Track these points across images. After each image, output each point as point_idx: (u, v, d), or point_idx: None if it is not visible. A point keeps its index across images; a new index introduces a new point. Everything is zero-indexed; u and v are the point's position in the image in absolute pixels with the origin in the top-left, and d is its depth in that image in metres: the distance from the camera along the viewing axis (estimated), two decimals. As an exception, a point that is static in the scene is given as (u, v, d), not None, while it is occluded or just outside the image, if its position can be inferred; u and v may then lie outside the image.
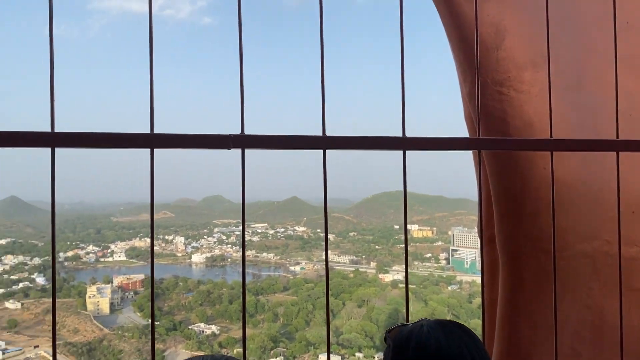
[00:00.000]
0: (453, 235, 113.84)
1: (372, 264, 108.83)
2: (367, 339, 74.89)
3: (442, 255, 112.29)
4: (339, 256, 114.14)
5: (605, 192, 3.53)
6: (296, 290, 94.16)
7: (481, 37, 3.62)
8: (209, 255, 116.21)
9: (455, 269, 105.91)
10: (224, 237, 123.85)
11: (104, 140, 1.99)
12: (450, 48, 4.27)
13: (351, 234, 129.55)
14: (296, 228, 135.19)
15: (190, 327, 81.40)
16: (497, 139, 3.33)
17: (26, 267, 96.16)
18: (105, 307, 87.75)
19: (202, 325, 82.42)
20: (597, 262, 3.61)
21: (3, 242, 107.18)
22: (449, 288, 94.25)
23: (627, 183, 2.67)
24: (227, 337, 77.16)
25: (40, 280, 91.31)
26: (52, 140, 1.91)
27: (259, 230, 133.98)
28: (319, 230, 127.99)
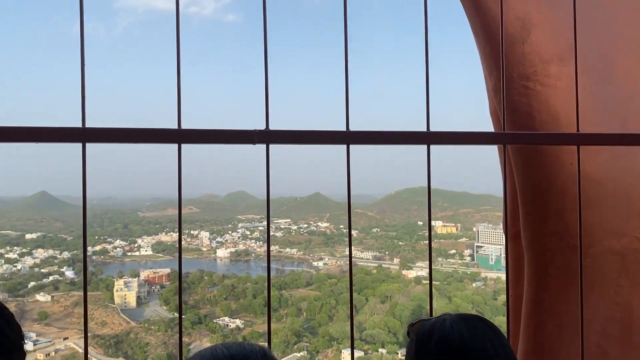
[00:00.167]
0: (478, 231, 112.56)
1: (396, 260, 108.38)
2: (390, 335, 74.67)
3: (467, 252, 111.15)
4: (362, 252, 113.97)
5: (635, 187, 3.46)
6: (319, 286, 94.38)
7: (507, 31, 3.58)
8: (233, 250, 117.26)
9: (479, 265, 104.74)
10: (248, 233, 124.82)
11: (133, 135, 2.03)
12: (475, 42, 4.23)
13: (374, 230, 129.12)
14: (319, 224, 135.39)
15: (215, 321, 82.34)
16: (523, 133, 3.29)
17: (56, 261, 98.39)
18: (132, 301, 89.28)
19: (226, 319, 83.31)
20: (626, 259, 3.55)
21: (34, 236, 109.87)
22: (473, 285, 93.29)
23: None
24: (251, 330, 77.84)
25: (69, 273, 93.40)
26: (84, 135, 1.96)
27: (282, 226, 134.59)
28: (341, 226, 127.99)
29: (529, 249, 3.97)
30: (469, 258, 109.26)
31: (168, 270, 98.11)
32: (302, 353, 72.22)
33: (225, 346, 1.54)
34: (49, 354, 69.98)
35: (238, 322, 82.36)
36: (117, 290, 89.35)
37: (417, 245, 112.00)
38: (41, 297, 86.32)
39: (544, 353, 3.91)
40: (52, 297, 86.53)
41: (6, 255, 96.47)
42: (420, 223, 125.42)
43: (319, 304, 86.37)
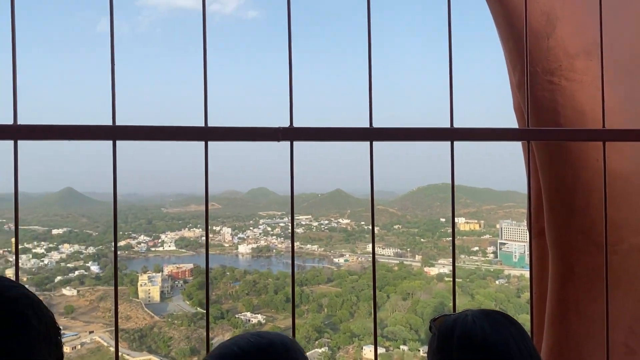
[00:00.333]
0: (501, 228, 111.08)
1: (417, 257, 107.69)
2: (412, 332, 74.35)
3: (490, 249, 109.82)
4: (383, 249, 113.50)
5: (663, 184, 3.40)
6: (340, 282, 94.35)
7: (531, 25, 3.54)
8: (254, 246, 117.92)
9: (503, 262, 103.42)
10: (269, 229, 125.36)
11: (161, 133, 2.09)
12: (499, 37, 4.20)
13: (396, 226, 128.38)
14: (340, 220, 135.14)
15: (237, 316, 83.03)
16: (547, 129, 3.26)
17: (81, 256, 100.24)
18: (155, 295, 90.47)
19: (248, 314, 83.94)
20: (654, 257, 3.50)
21: (60, 231, 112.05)
22: (497, 282, 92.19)
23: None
24: (273, 326, 78.23)
25: (94, 268, 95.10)
26: (114, 133, 2.02)
27: (303, 222, 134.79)
28: (362, 222, 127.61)
29: (554, 247, 3.93)
30: (492, 255, 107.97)
31: (191, 265, 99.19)
32: (323, 349, 72.40)
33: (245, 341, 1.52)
34: (75, 347, 71.44)
35: (260, 317, 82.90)
36: (141, 285, 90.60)
37: (439, 242, 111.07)
38: (67, 291, 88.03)
39: (569, 351, 3.88)
40: (78, 291, 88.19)
41: (34, 250, 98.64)
42: (442, 220, 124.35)
43: (340, 300, 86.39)
